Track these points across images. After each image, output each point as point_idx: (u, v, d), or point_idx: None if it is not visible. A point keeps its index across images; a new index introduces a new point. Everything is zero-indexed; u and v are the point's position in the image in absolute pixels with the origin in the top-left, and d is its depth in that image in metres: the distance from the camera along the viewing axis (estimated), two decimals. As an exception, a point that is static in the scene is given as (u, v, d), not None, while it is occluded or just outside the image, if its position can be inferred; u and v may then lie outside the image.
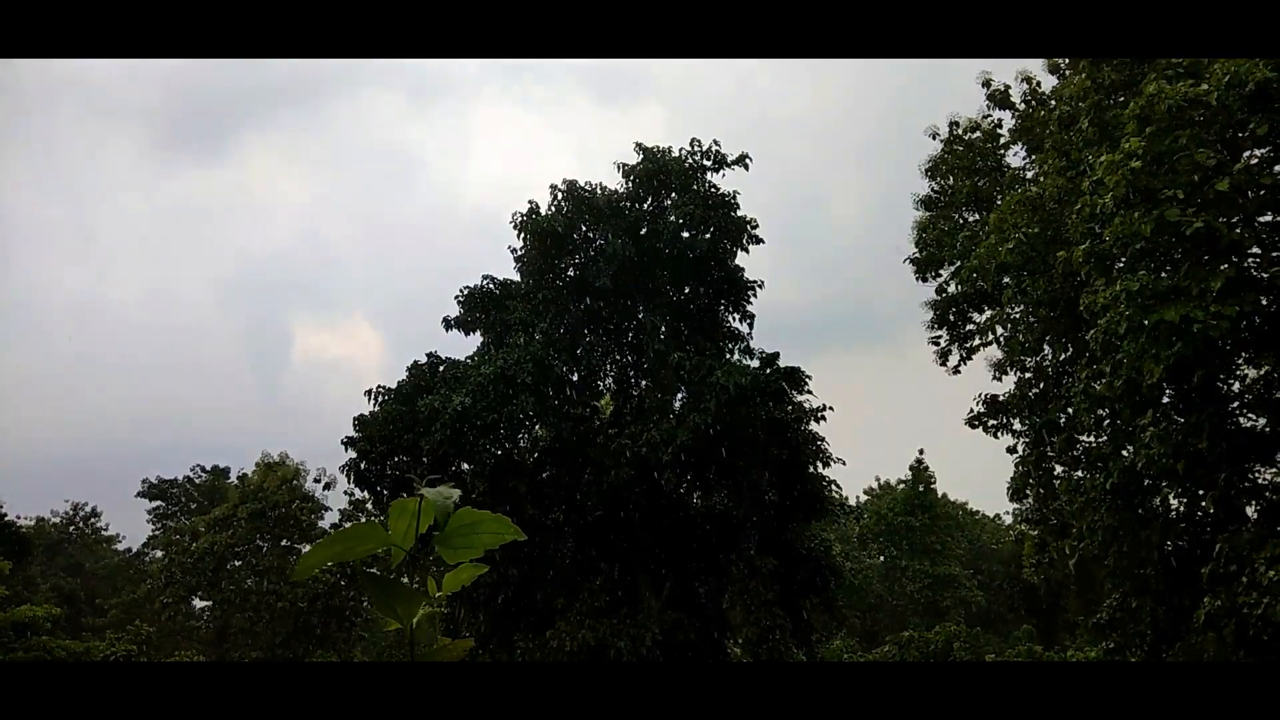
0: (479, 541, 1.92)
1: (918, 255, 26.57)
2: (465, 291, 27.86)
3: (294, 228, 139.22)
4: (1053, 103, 22.84)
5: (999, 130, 25.73)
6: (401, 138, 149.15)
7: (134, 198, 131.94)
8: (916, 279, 26.77)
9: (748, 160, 27.93)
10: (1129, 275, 15.74)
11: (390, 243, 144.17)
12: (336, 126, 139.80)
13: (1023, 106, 24.77)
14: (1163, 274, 15.66)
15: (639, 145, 27.81)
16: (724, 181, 28.01)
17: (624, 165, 27.59)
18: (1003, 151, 25.83)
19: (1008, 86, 24.94)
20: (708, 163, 27.71)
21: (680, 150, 27.77)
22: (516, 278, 28.17)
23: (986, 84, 24.90)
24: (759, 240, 27.66)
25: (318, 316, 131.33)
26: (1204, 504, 18.57)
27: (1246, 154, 15.66)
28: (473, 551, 1.93)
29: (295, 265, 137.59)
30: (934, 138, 26.32)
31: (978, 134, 25.82)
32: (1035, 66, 24.81)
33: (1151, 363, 15.51)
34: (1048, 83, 24.38)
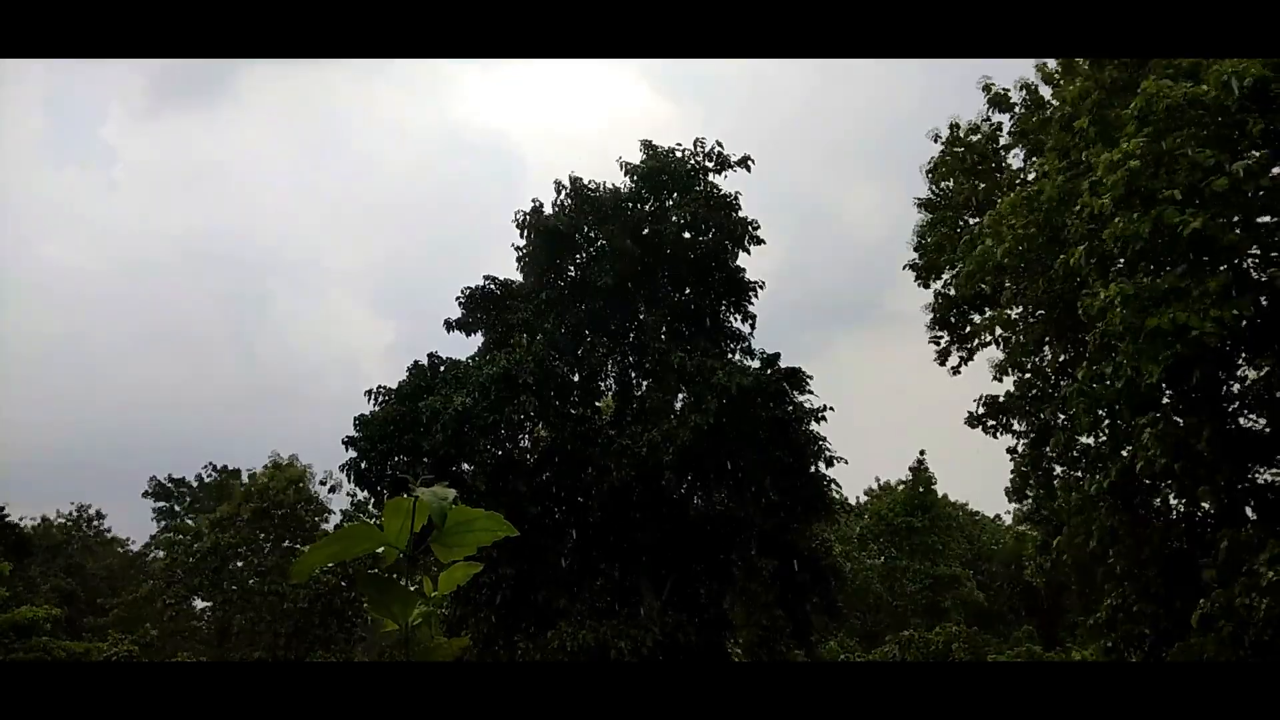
0: (473, 539, 1.93)
1: (918, 260, 26.55)
2: (466, 292, 27.90)
3: (291, 209, 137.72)
4: (1052, 104, 22.81)
5: (999, 133, 25.69)
6: (405, 117, 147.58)
7: (113, 173, 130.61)
8: (917, 283, 26.75)
9: (750, 162, 28.03)
10: (1125, 279, 15.73)
11: (394, 225, 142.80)
12: (335, 102, 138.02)
13: (1022, 110, 24.72)
14: (1160, 276, 15.64)
15: (644, 143, 27.90)
16: (730, 180, 28.17)
17: (627, 164, 27.65)
18: (1003, 154, 25.80)
19: (1007, 90, 24.90)
20: (710, 163, 27.80)
21: (683, 150, 27.86)
22: (518, 277, 28.22)
23: (987, 89, 24.88)
24: (760, 241, 27.76)
25: (323, 307, 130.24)
26: (1204, 504, 18.58)
27: (1244, 157, 15.65)
28: (467, 549, 1.95)
29: (298, 247, 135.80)
30: (936, 139, 26.29)
31: (977, 136, 25.78)
32: (1034, 75, 24.80)
33: (1150, 364, 15.51)
34: (1045, 91, 24.34)
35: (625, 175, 27.67)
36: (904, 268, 26.83)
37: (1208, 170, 14.98)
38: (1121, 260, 16.59)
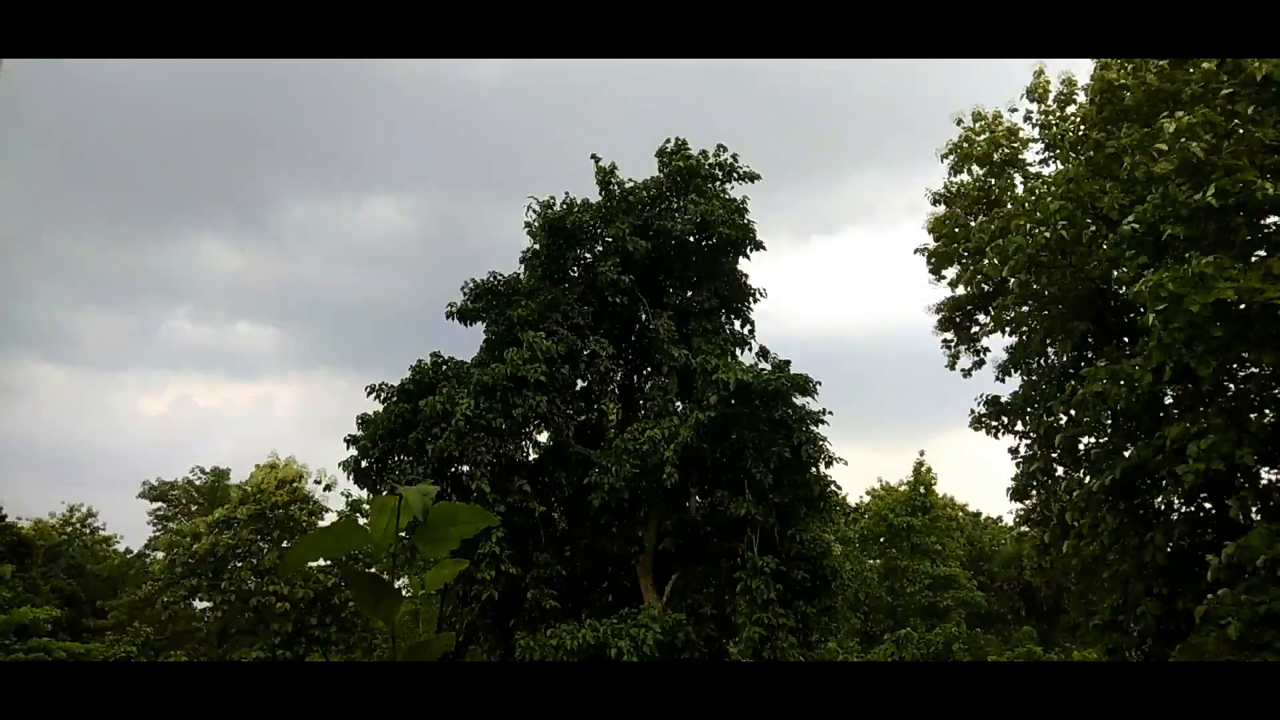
0: (456, 533, 1.98)
1: (931, 247, 26.34)
2: (471, 284, 28.00)
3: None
4: (1092, 94, 22.24)
5: (1019, 126, 25.38)
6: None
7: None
8: (930, 275, 26.57)
9: (757, 177, 28.44)
10: (1179, 261, 14.93)
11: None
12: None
13: (1054, 105, 24.34)
14: (1215, 256, 14.88)
15: (677, 140, 28.27)
16: (736, 188, 28.54)
17: (664, 154, 28.06)
18: (1022, 147, 25.44)
19: (1048, 80, 24.40)
20: (718, 171, 28.11)
21: (702, 152, 28.20)
22: (523, 273, 28.35)
23: (1039, 72, 24.41)
24: (761, 246, 28.06)
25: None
26: (1204, 504, 18.58)
27: None
28: (450, 544, 1.98)
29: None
30: (958, 123, 25.83)
31: (1001, 128, 25.47)
32: (1070, 63, 24.21)
33: (1204, 354, 14.80)
34: (1081, 76, 23.84)
35: (631, 177, 27.97)
36: (914, 252, 26.71)
37: (1274, 149, 14.69)
38: (1166, 238, 15.83)
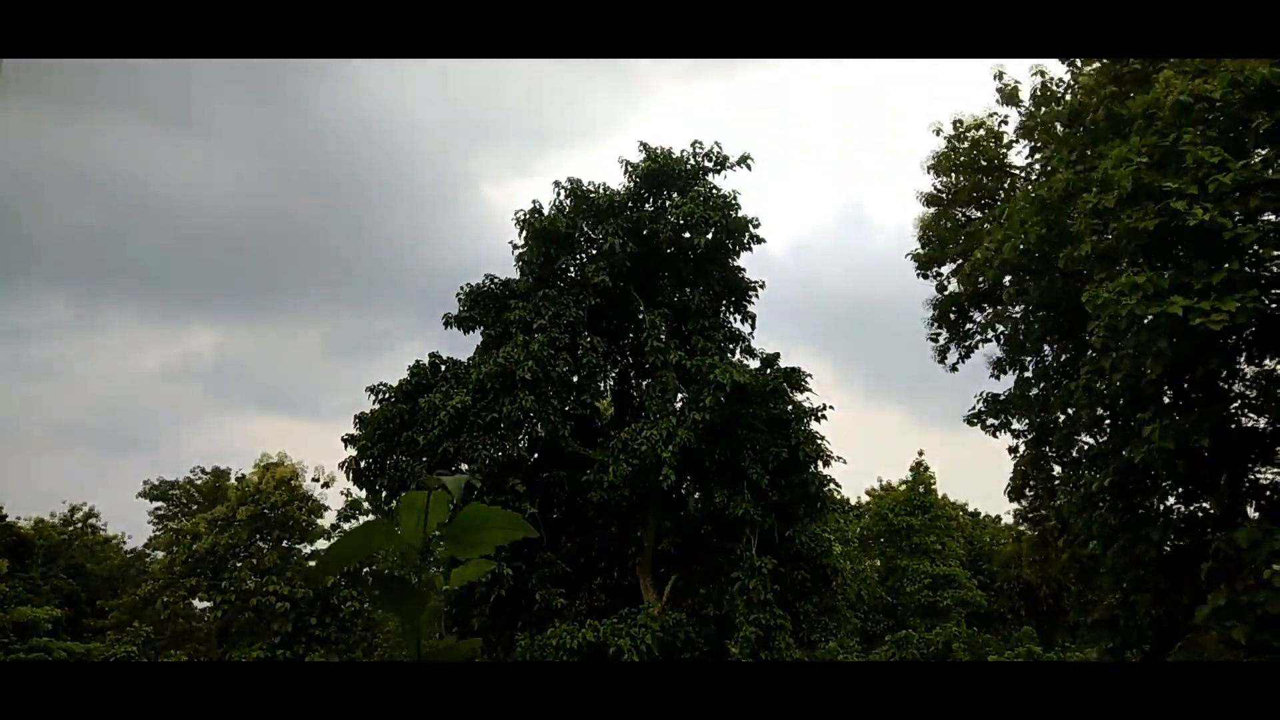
0: (489, 538, 1.89)
1: (920, 251, 26.43)
2: (467, 288, 27.92)
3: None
4: (1064, 95, 22.64)
5: (1003, 127, 25.54)
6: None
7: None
8: (917, 275, 26.67)
9: (749, 161, 28.10)
10: (1133, 270, 15.75)
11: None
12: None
13: (1030, 104, 24.50)
14: (1165, 271, 15.65)
15: (642, 144, 27.97)
16: (729, 180, 28.30)
17: (627, 164, 27.73)
18: (1005, 150, 25.67)
19: (1017, 83, 24.63)
20: (709, 163, 27.86)
21: (682, 151, 27.95)
22: (517, 275, 28.26)
23: (999, 75, 24.60)
24: (760, 240, 27.79)
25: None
26: (1204, 503, 18.58)
27: (1252, 153, 15.65)
28: (483, 548, 1.91)
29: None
30: (937, 133, 26.09)
31: (981, 131, 25.63)
32: (1047, 61, 24.54)
33: (1152, 359, 15.54)
34: (1058, 72, 24.08)
35: (624, 175, 27.76)
36: (905, 256, 26.79)
37: (1213, 167, 15.03)
38: (1125, 260, 16.61)
